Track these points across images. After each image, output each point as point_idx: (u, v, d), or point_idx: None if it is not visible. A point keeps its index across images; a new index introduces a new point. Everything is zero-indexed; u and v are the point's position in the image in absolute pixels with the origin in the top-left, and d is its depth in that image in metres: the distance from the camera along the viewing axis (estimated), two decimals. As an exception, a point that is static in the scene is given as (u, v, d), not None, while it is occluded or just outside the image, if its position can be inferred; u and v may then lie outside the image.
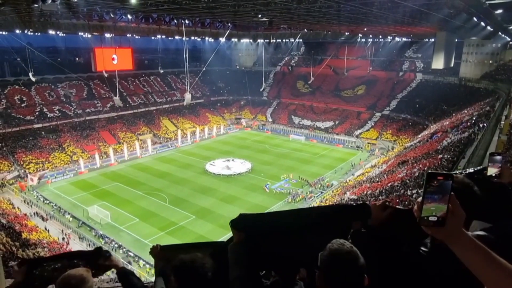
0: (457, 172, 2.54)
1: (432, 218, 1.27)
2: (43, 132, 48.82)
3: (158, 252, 2.66)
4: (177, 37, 50.97)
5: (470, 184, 1.74)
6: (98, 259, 2.58)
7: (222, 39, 54.37)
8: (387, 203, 1.94)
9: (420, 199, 1.31)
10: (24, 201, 35.81)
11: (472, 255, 1.25)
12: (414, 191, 21.33)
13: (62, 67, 56.40)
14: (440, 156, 26.77)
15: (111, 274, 24.59)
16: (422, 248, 1.74)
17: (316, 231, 2.01)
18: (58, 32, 41.70)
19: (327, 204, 31.29)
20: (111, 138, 52.85)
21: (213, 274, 2.06)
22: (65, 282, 2.02)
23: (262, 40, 67.26)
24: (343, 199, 29.22)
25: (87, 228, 30.98)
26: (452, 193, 1.27)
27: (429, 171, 1.32)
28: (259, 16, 32.48)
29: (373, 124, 58.10)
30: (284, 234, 2.09)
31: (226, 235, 28.06)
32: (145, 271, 24.92)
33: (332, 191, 37.17)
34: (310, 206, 34.22)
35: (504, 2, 23.70)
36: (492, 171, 2.49)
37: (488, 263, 1.22)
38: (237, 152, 51.32)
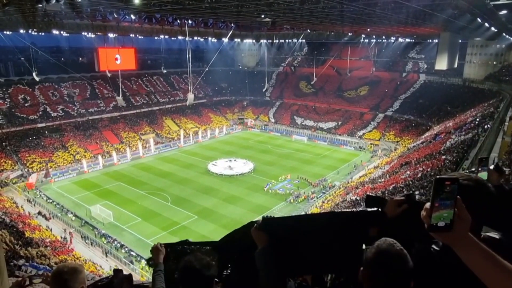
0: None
1: (440, 224, 1.25)
2: (46, 132, 49.03)
3: (159, 250, 2.69)
4: (180, 37, 51.02)
5: (485, 183, 1.65)
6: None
7: (225, 39, 54.44)
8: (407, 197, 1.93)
9: (428, 205, 1.29)
10: (27, 200, 35.97)
11: (476, 258, 1.24)
12: (417, 192, 21.24)
13: (66, 67, 56.69)
14: (443, 157, 26.66)
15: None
16: (433, 247, 1.70)
17: (332, 236, 2.05)
18: (61, 32, 41.82)
19: (330, 204, 31.25)
20: (114, 138, 53.00)
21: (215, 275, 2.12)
22: (58, 271, 2.11)
23: (265, 41, 67.23)
24: (345, 199, 29.14)
25: (89, 228, 31.07)
26: (458, 197, 1.26)
27: (437, 176, 1.29)
28: (262, 16, 32.50)
29: (376, 125, 57.95)
30: (302, 238, 2.12)
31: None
32: (146, 271, 24.94)
33: (334, 192, 37.10)
34: (315, 208, 34.21)
35: (509, 3, 23.58)
36: (483, 176, 2.40)
37: (492, 266, 1.21)
38: (239, 152, 51.34)
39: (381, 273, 1.50)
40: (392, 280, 1.48)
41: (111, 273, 2.84)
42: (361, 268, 1.60)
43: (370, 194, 2.29)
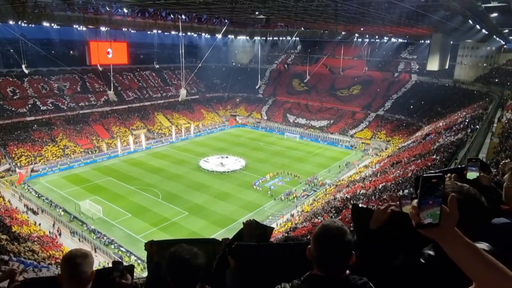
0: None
1: (427, 221, 1.27)
2: (35, 125, 48.28)
3: (151, 247, 2.70)
4: (173, 32, 50.56)
5: (477, 196, 1.59)
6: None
7: (219, 36, 54.19)
8: (391, 208, 1.93)
9: (415, 202, 1.30)
10: (15, 195, 35.43)
11: (461, 251, 1.26)
12: (406, 191, 21.50)
13: (56, 60, 55.68)
14: (433, 157, 27.01)
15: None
16: (421, 260, 1.68)
17: (298, 266, 2.00)
18: (52, 24, 41.08)
19: (320, 202, 31.43)
20: (105, 133, 52.45)
21: (205, 268, 2.13)
22: (71, 255, 2.20)
23: (259, 37, 67.15)
24: (336, 198, 29.35)
25: (78, 223, 30.75)
26: (452, 194, 1.28)
27: (424, 175, 1.30)
28: (256, 13, 32.42)
29: (367, 124, 58.37)
30: (270, 266, 2.19)
31: (218, 232, 28.08)
32: (135, 267, 24.83)
33: (325, 190, 37.32)
34: (306, 206, 34.37)
35: (499, 5, 23.89)
36: (472, 175, 2.47)
37: (476, 259, 1.23)
38: (231, 149, 51.26)
39: (323, 245, 1.69)
40: (333, 250, 1.67)
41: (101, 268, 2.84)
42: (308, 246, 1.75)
43: (357, 204, 2.32)
